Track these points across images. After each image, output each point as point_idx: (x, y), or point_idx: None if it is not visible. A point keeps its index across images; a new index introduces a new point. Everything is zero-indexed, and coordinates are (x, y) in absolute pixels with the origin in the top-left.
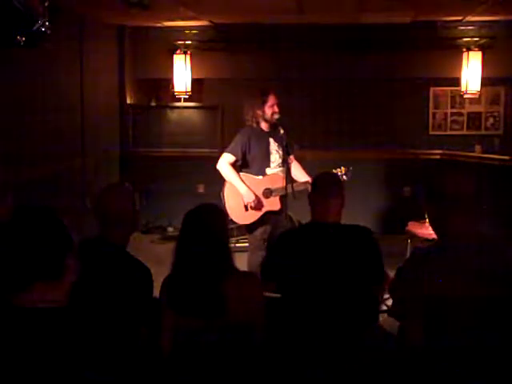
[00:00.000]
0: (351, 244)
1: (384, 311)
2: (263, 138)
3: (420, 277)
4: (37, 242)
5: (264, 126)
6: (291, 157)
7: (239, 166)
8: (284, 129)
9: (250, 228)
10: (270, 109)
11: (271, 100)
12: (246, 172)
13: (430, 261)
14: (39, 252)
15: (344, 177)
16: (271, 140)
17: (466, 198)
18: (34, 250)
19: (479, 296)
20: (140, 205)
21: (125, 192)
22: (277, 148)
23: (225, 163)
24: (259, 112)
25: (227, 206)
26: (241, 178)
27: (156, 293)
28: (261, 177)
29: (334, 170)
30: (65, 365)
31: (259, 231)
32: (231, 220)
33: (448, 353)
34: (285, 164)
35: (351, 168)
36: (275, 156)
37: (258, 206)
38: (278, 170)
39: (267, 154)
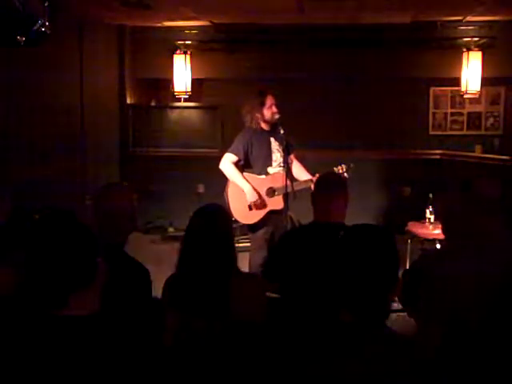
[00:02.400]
0: (357, 244)
1: (393, 311)
2: (264, 137)
3: (429, 280)
4: (68, 252)
5: (264, 126)
6: (291, 156)
7: (241, 166)
8: (284, 128)
9: (252, 228)
10: (269, 110)
11: (269, 101)
12: (249, 172)
13: (439, 264)
14: (72, 263)
15: (345, 174)
16: (272, 139)
17: (493, 200)
18: (67, 262)
19: (490, 296)
20: (139, 205)
21: (123, 191)
22: (278, 147)
23: (228, 163)
24: (258, 114)
25: (231, 205)
26: (244, 177)
27: (156, 293)
28: (263, 176)
29: (334, 168)
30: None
31: (261, 231)
32: (234, 220)
33: (461, 353)
34: (285, 163)
35: (352, 165)
36: (277, 155)
37: (261, 204)
38: (280, 169)
39: (269, 153)
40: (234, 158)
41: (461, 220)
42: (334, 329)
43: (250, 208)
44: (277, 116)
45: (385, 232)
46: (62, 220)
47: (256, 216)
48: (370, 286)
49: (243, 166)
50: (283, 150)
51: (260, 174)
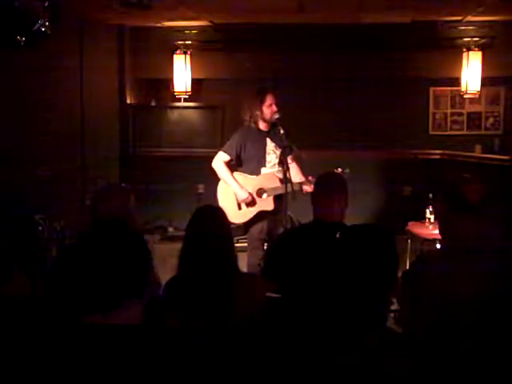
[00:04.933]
0: (357, 244)
1: (393, 311)
2: (260, 138)
3: (427, 282)
4: (125, 261)
5: (262, 125)
6: (290, 157)
7: (235, 165)
8: (284, 128)
9: (246, 227)
10: (269, 108)
11: (269, 99)
12: (241, 171)
13: (438, 265)
14: (129, 272)
15: None
16: (268, 140)
17: (481, 202)
18: (125, 270)
19: (487, 297)
20: (138, 205)
21: (122, 193)
22: (274, 148)
23: (219, 162)
24: (257, 112)
25: (220, 204)
26: (234, 176)
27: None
28: (255, 176)
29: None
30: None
31: (256, 231)
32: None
33: (454, 358)
34: (282, 164)
35: (347, 170)
36: (272, 156)
37: (251, 203)
38: (274, 170)
39: (263, 154)
40: (227, 157)
41: (444, 223)
42: (333, 329)
43: (240, 207)
44: (276, 116)
45: (384, 232)
46: (120, 232)
47: (245, 216)
48: (368, 286)
49: (237, 165)
50: (282, 151)
51: (252, 174)
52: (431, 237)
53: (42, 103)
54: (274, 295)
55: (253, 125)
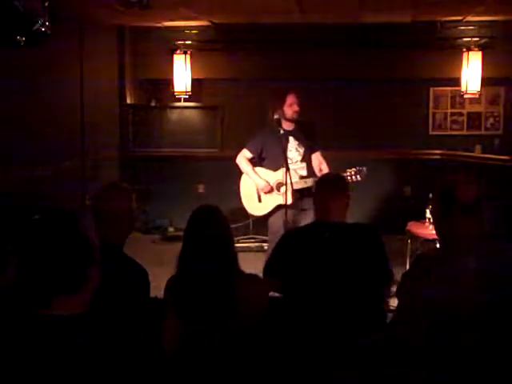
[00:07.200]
0: (352, 243)
1: (390, 311)
2: (282, 136)
3: (422, 286)
4: (59, 254)
5: (285, 124)
6: (319, 153)
7: (258, 162)
8: (303, 127)
9: (267, 222)
10: (290, 108)
11: (290, 99)
12: (264, 167)
13: (437, 265)
14: (61, 266)
15: (357, 177)
16: (291, 138)
17: (476, 201)
18: (56, 265)
19: (483, 300)
20: (138, 205)
21: (123, 192)
22: (297, 146)
23: (242, 157)
24: (279, 111)
25: (242, 195)
26: (255, 171)
27: (156, 293)
28: (274, 171)
29: (348, 170)
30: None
31: (276, 225)
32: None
33: (451, 360)
34: (306, 161)
35: (363, 168)
36: (294, 154)
37: (270, 192)
38: (296, 166)
39: (285, 152)
40: (249, 154)
41: (439, 224)
42: (335, 328)
43: (260, 200)
44: (296, 115)
45: (368, 228)
46: (60, 224)
47: (265, 208)
48: (359, 280)
49: (260, 162)
50: (305, 149)
51: (275, 170)
52: (431, 237)
53: (41, 103)
54: (275, 294)
55: (276, 124)
